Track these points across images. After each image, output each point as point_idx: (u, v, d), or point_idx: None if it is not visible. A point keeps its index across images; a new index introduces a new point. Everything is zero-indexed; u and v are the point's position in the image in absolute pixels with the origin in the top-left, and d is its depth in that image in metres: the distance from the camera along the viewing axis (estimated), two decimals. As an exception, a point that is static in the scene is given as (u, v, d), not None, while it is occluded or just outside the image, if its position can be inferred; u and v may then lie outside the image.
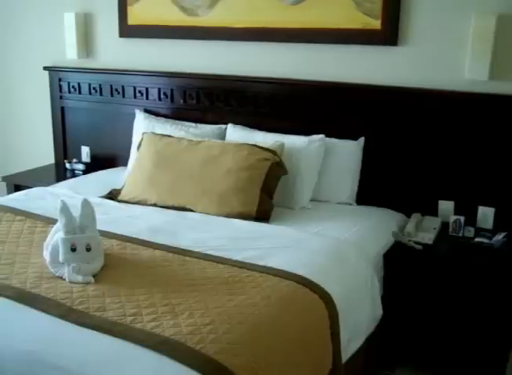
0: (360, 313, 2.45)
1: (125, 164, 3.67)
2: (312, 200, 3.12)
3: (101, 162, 3.98)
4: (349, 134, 3.15)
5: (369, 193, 3.16)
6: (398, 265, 2.75)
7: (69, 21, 3.92)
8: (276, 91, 3.34)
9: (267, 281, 2.20)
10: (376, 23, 3.06)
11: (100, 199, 3.07)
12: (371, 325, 2.58)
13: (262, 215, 2.86)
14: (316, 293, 2.20)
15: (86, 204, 2.28)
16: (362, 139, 3.14)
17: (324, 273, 2.35)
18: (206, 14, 3.50)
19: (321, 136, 3.11)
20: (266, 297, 2.08)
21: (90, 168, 3.91)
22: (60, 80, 4.08)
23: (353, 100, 3.15)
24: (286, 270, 2.28)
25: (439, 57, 2.98)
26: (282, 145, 3.04)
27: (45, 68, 4.13)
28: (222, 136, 3.34)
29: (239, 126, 3.35)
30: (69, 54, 4.00)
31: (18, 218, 2.82)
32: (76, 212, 2.27)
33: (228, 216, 2.84)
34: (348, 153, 3.14)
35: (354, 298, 2.43)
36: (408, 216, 3.05)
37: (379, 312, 2.62)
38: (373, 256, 2.69)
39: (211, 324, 1.88)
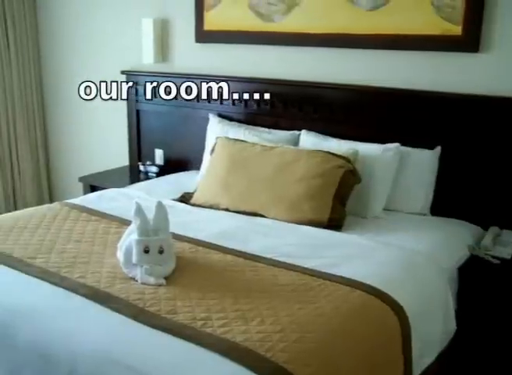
0: (432, 327, 2.38)
1: (197, 168, 3.70)
2: (385, 209, 3.06)
3: (174, 165, 4.03)
4: (425, 143, 3.07)
5: (444, 204, 3.07)
6: (473, 279, 2.65)
7: (147, 26, 3.99)
8: (351, 98, 3.29)
9: (338, 290, 2.16)
10: (457, 29, 2.97)
11: (172, 202, 3.10)
12: (444, 340, 2.51)
13: (334, 223, 2.82)
14: (388, 304, 2.15)
15: (160, 206, 2.30)
16: (438, 148, 3.05)
17: (396, 284, 2.30)
18: (282, 20, 3.50)
19: (397, 144, 3.05)
20: (337, 306, 2.05)
21: (163, 171, 3.97)
22: (137, 83, 4.16)
23: (430, 108, 3.07)
24: (357, 280, 2.24)
25: (525, 64, 2.87)
26: (356, 153, 3.00)
27: (122, 72, 4.22)
28: (296, 142, 3.32)
29: (312, 132, 3.31)
30: (146, 58, 4.07)
31: (93, 218, 2.89)
32: (150, 214, 2.30)
33: (299, 222, 2.82)
34: (423, 162, 3.06)
35: (427, 311, 2.36)
36: (485, 229, 2.94)
37: (453, 326, 2.54)
38: (447, 269, 2.61)
39: (281, 332, 1.86)
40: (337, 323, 1.97)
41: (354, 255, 2.49)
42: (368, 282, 2.22)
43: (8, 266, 2.37)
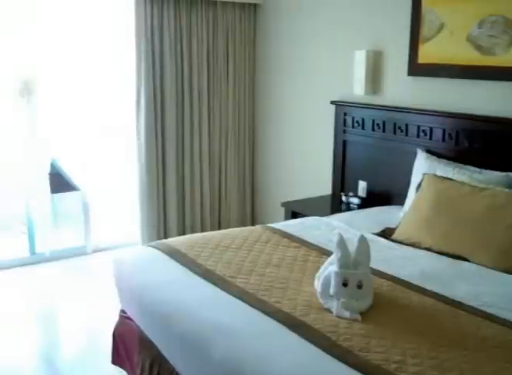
0: None
1: (400, 203, 3.62)
2: None
3: (376, 198, 3.99)
4: None
5: None
6: None
7: (360, 58, 4.01)
8: None
9: (550, 353, 1.96)
10: None
11: (372, 236, 3.06)
12: None
13: (548, 276, 2.58)
14: None
15: (363, 240, 2.28)
16: None
17: None
18: (504, 52, 3.30)
19: None
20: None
21: (365, 203, 3.94)
22: (345, 114, 4.19)
23: None
24: None
25: None
26: None
27: (332, 102, 4.28)
28: (509, 184, 3.08)
29: (529, 175, 3.08)
30: (356, 89, 4.08)
31: (293, 244, 2.94)
32: (350, 246, 2.28)
33: (508, 271, 2.62)
34: None
35: None
36: None
37: None
38: None
39: (481, 391, 1.73)
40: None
41: None
42: None
43: (211, 282, 2.50)
